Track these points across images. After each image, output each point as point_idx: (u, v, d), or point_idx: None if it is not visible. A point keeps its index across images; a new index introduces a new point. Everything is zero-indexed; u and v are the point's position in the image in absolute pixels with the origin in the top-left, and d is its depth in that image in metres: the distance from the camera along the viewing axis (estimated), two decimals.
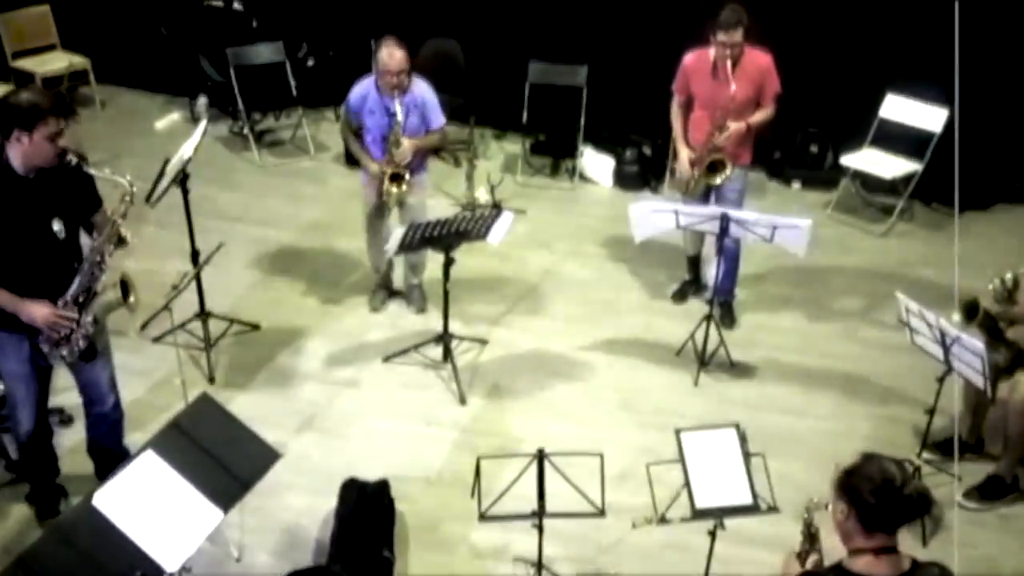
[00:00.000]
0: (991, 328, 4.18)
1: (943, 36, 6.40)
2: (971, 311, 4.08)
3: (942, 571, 2.39)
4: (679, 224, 4.80)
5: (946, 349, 3.88)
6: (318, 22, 7.50)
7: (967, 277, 5.67)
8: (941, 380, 3.98)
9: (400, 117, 4.79)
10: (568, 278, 5.87)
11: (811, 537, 2.77)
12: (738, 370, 5.05)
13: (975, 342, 3.75)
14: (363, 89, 4.95)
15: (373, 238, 5.32)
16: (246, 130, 7.22)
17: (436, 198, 6.64)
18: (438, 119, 5.02)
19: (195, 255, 4.76)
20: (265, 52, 7.11)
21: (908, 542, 2.96)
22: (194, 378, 4.75)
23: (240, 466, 3.16)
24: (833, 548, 2.59)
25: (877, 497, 2.32)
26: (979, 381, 3.82)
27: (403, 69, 4.76)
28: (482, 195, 6.60)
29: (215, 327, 5.05)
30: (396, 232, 4.55)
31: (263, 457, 3.26)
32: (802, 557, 2.74)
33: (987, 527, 4.16)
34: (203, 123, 4.92)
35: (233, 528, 3.80)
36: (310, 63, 7.46)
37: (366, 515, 3.89)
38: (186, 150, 4.59)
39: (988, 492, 4.25)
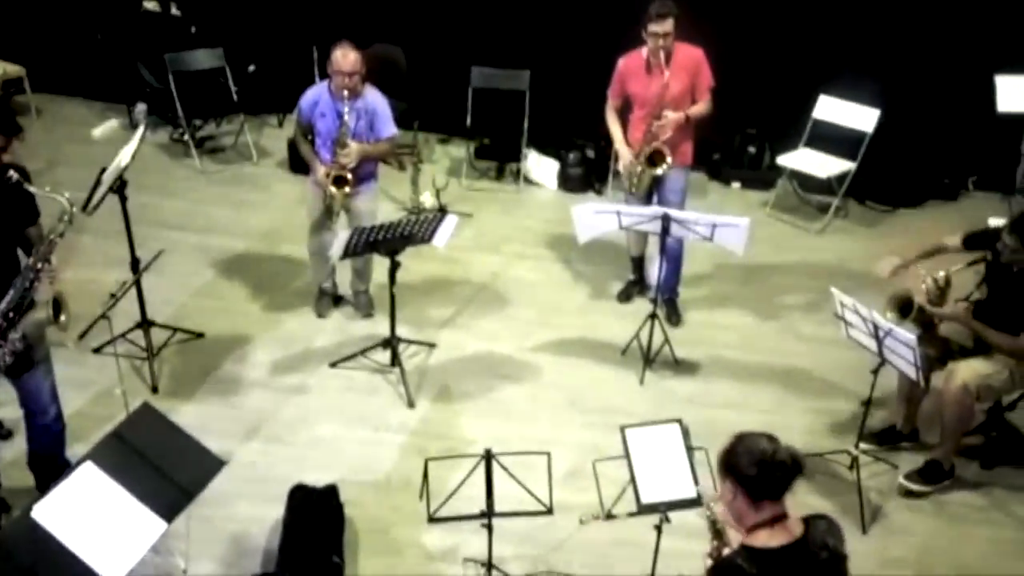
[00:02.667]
0: (925, 323, 4.31)
1: (873, 38, 6.63)
2: (905, 308, 4.20)
3: (829, 523, 2.55)
4: (622, 225, 4.87)
5: (879, 342, 3.99)
6: (259, 28, 7.44)
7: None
8: (875, 372, 4.10)
9: (348, 119, 4.80)
10: (515, 280, 5.91)
11: (718, 533, 2.84)
12: (682, 367, 5.13)
13: (907, 334, 3.87)
14: (316, 93, 5.00)
15: (315, 245, 5.29)
16: (186, 137, 7.13)
17: (381, 203, 6.64)
18: (389, 129, 5.05)
19: (135, 263, 4.69)
20: (204, 58, 7.03)
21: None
22: (137, 388, 4.69)
23: (183, 476, 3.13)
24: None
25: (757, 467, 2.46)
26: (912, 372, 3.94)
27: (355, 71, 4.79)
28: (427, 199, 6.62)
29: (158, 336, 4.98)
30: (340, 236, 4.55)
31: (207, 466, 3.23)
32: (714, 556, 2.81)
33: (924, 513, 4.29)
34: (140, 130, 4.86)
35: (179, 538, 3.75)
36: (251, 69, 7.39)
37: (314, 521, 3.87)
38: (123, 157, 4.53)
39: (928, 475, 4.38)
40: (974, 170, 7.08)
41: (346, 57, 4.77)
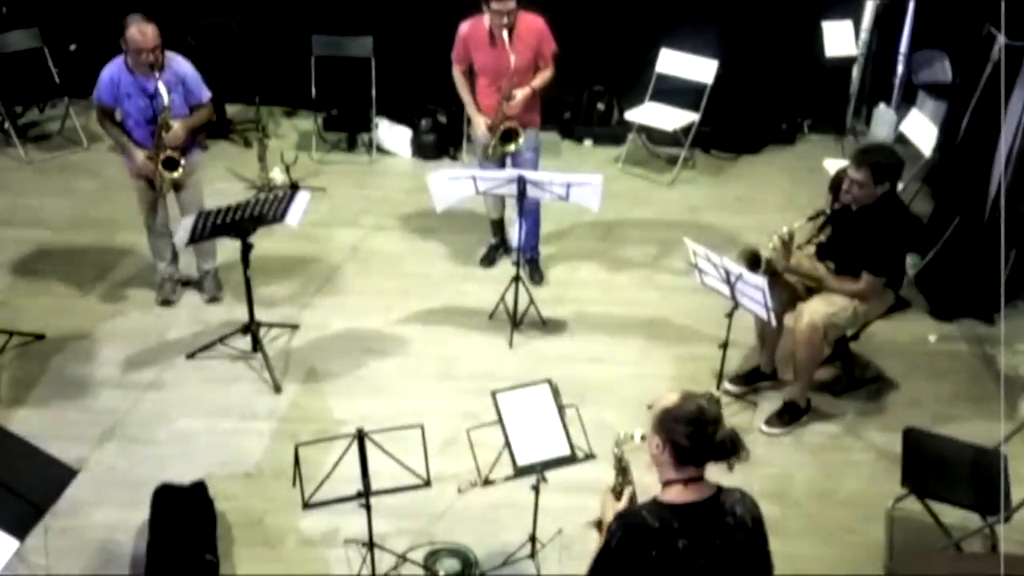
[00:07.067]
0: (772, 273, 4.48)
1: None
2: (753, 263, 4.34)
3: (743, 494, 2.57)
4: (478, 190, 4.85)
5: (731, 286, 4.15)
6: (76, 4, 6.94)
7: (747, 215, 6.18)
8: (730, 316, 4.26)
9: (166, 100, 4.58)
10: (376, 253, 5.81)
11: (623, 471, 2.89)
12: (549, 327, 5.19)
13: (756, 277, 4.03)
14: (113, 72, 4.69)
15: (152, 227, 5.08)
16: (7, 125, 6.65)
17: (229, 182, 6.39)
18: (203, 93, 4.85)
19: None
20: (19, 39, 6.57)
21: (714, 467, 3.16)
22: None
23: (30, 489, 2.93)
24: (646, 484, 2.73)
25: (690, 439, 2.45)
26: (763, 313, 4.12)
27: (157, 45, 4.55)
28: (277, 176, 6.40)
29: None
30: (184, 222, 4.33)
31: (56, 476, 3.04)
32: (617, 491, 2.86)
33: (783, 447, 4.50)
34: None
35: (38, 553, 3.53)
36: (72, 48, 6.91)
37: (183, 520, 3.72)
38: None
39: (786, 416, 4.58)
40: (808, 113, 7.42)
41: (145, 34, 4.51)
